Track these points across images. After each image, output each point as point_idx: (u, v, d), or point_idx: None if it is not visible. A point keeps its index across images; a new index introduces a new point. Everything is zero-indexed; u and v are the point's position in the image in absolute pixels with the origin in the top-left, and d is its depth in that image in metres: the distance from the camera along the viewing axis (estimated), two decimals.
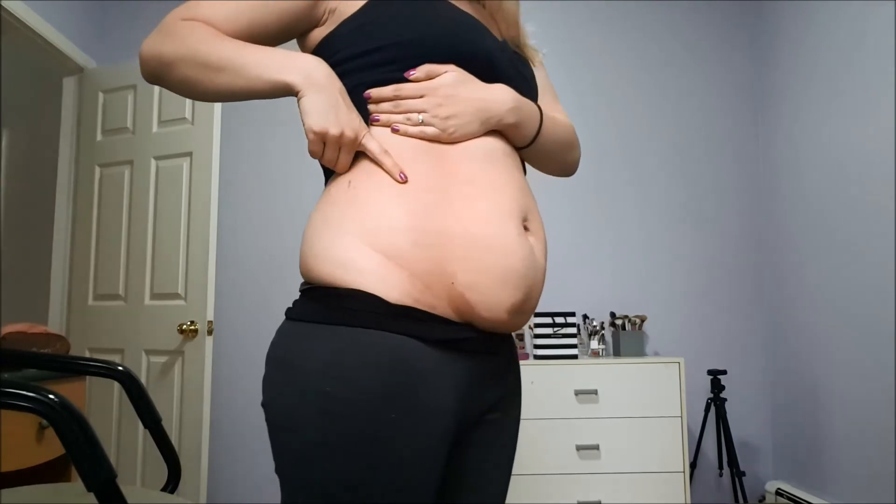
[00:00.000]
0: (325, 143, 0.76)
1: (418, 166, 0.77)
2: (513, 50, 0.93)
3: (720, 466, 2.80)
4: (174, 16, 0.82)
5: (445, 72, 0.79)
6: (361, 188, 0.77)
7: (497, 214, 0.77)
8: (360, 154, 0.79)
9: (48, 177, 3.31)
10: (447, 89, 0.79)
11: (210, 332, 2.59)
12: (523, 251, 0.78)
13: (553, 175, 1.03)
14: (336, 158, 0.77)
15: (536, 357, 2.69)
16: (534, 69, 0.98)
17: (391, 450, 0.71)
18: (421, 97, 0.78)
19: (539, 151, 0.91)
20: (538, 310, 2.81)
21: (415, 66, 0.80)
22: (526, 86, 0.91)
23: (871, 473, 2.31)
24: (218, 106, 2.71)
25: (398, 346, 0.72)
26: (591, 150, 3.12)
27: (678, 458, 2.54)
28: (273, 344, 0.78)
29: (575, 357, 2.68)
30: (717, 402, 2.69)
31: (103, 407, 2.72)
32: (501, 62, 0.86)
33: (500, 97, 0.82)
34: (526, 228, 0.82)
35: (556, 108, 1.02)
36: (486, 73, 0.83)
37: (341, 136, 0.75)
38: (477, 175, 0.79)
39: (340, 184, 0.80)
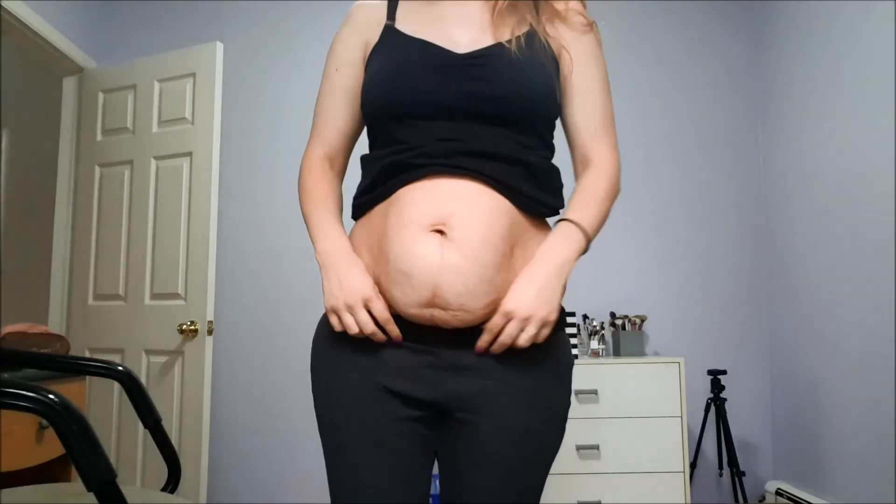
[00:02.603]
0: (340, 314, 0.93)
1: (380, 217, 0.97)
2: (494, 51, 0.97)
3: (720, 466, 2.80)
4: (307, 155, 1.08)
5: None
6: (356, 227, 1.03)
7: (398, 224, 0.92)
8: (367, 204, 1.00)
9: (48, 177, 3.31)
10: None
11: (210, 332, 2.59)
12: (418, 253, 0.89)
13: None
14: (354, 322, 0.92)
15: None
16: (557, 56, 1.02)
17: (326, 396, 0.96)
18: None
19: None
20: None
21: (371, 126, 1.03)
22: (481, 86, 0.95)
23: (871, 473, 2.31)
24: (218, 106, 2.72)
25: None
26: None
27: (678, 458, 2.54)
28: None
29: (575, 357, 2.68)
30: (717, 402, 2.69)
31: (103, 407, 2.72)
32: (442, 86, 0.94)
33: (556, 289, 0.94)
34: (442, 232, 0.90)
35: (601, 131, 1.04)
36: (422, 107, 0.95)
37: (348, 307, 0.92)
38: (404, 197, 0.94)
39: None
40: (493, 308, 0.90)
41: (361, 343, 0.93)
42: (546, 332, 0.90)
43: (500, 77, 0.95)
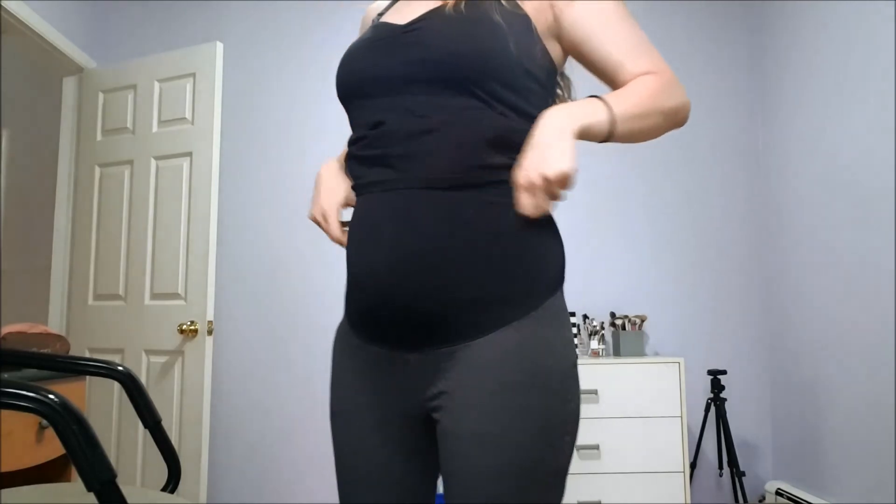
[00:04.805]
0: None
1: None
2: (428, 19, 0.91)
3: (720, 466, 2.80)
4: None
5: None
6: None
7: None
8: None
9: (48, 177, 3.32)
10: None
11: (210, 332, 2.59)
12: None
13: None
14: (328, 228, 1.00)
15: None
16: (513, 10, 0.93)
17: (331, 404, 0.99)
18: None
19: (624, 139, 0.89)
20: None
21: (347, 109, 0.98)
22: (416, 51, 0.89)
23: (871, 473, 2.31)
24: (218, 106, 2.72)
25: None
26: (589, 150, 3.12)
27: (678, 458, 2.54)
28: None
29: None
30: (717, 402, 2.69)
31: (103, 407, 2.72)
32: (380, 60, 0.92)
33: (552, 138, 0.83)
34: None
35: (638, 53, 0.93)
36: (365, 85, 0.93)
37: (316, 220, 1.01)
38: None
39: None
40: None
41: (353, 351, 0.95)
42: (560, 188, 0.80)
43: (432, 38, 0.89)
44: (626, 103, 0.86)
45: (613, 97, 0.86)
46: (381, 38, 0.93)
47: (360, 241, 0.90)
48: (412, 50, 0.89)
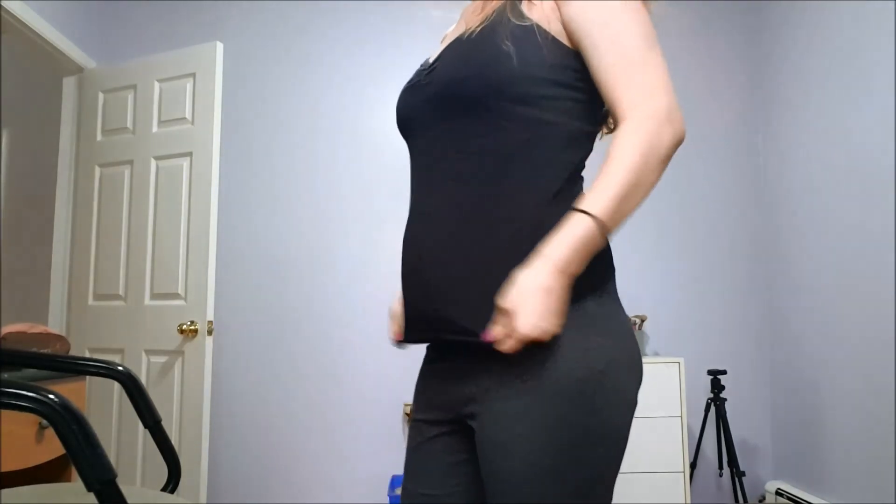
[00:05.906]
0: None
1: None
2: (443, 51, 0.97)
3: (720, 466, 2.80)
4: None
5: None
6: None
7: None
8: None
9: (48, 177, 3.31)
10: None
11: (210, 332, 2.59)
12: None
13: None
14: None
15: None
16: (523, 24, 0.90)
17: None
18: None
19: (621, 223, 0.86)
20: None
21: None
22: (429, 89, 0.95)
23: (871, 473, 2.31)
24: (218, 106, 2.72)
25: None
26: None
27: (678, 458, 2.54)
28: None
29: None
30: (717, 402, 2.69)
31: (103, 407, 2.72)
32: (410, 102, 0.99)
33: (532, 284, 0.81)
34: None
35: (619, 76, 0.85)
36: (404, 129, 1.01)
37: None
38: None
39: None
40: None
41: (425, 360, 1.04)
42: (516, 344, 0.81)
43: (441, 71, 0.93)
44: (605, 201, 0.81)
45: (592, 200, 0.82)
46: (414, 80, 1.01)
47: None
48: (430, 87, 0.95)
